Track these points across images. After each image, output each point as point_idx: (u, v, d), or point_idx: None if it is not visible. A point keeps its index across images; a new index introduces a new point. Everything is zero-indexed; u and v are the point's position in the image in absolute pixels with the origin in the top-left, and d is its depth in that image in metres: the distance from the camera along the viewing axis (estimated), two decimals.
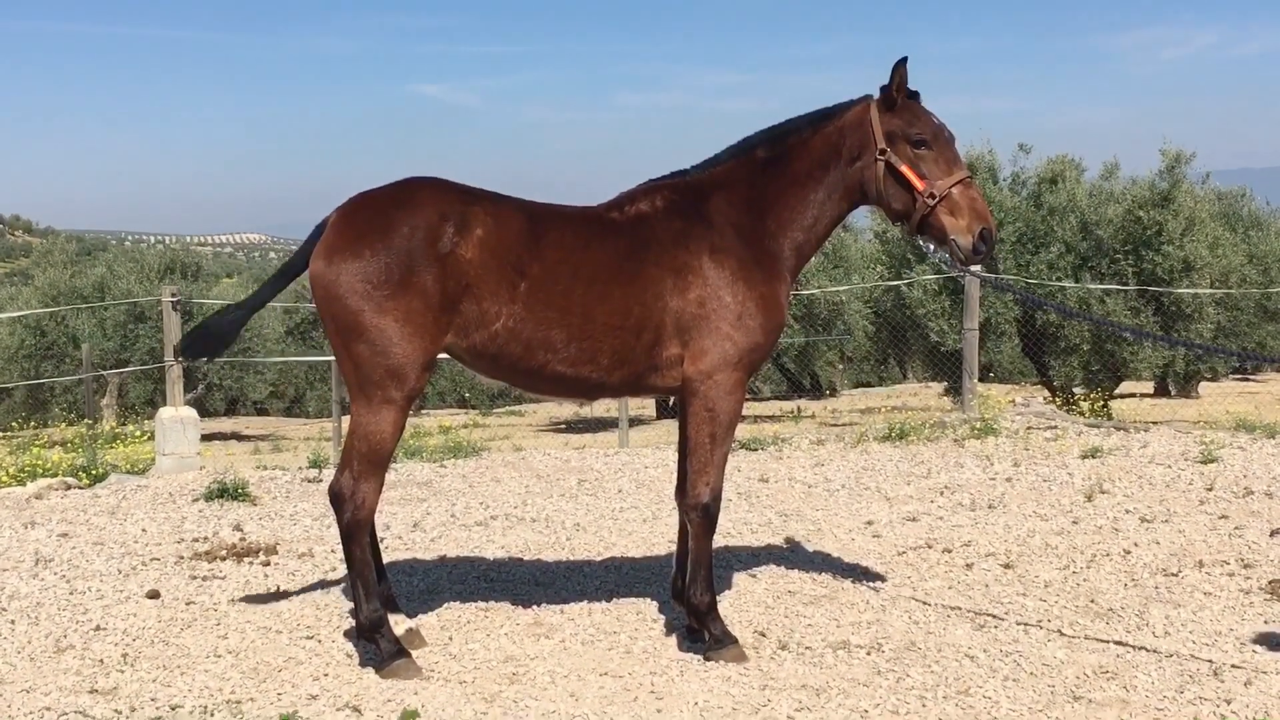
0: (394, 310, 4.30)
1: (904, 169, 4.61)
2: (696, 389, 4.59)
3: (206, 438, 12.46)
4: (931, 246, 4.85)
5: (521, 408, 25.45)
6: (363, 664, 4.59)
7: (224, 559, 6.29)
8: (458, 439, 11.44)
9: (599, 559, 6.28)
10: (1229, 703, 4.08)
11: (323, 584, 5.77)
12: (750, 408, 17.44)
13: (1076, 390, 15.51)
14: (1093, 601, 5.32)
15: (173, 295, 10.49)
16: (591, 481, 8.59)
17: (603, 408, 19.63)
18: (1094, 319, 5.85)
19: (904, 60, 4.64)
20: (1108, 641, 4.77)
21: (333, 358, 10.79)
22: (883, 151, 4.64)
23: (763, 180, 4.74)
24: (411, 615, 5.04)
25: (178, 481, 8.72)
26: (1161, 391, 21.93)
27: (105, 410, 20.87)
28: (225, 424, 23.97)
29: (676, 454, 4.98)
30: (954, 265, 4.88)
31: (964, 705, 4.11)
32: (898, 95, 4.66)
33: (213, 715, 4.07)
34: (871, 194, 4.73)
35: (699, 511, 4.66)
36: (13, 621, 5.20)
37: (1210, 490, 7.42)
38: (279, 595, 5.59)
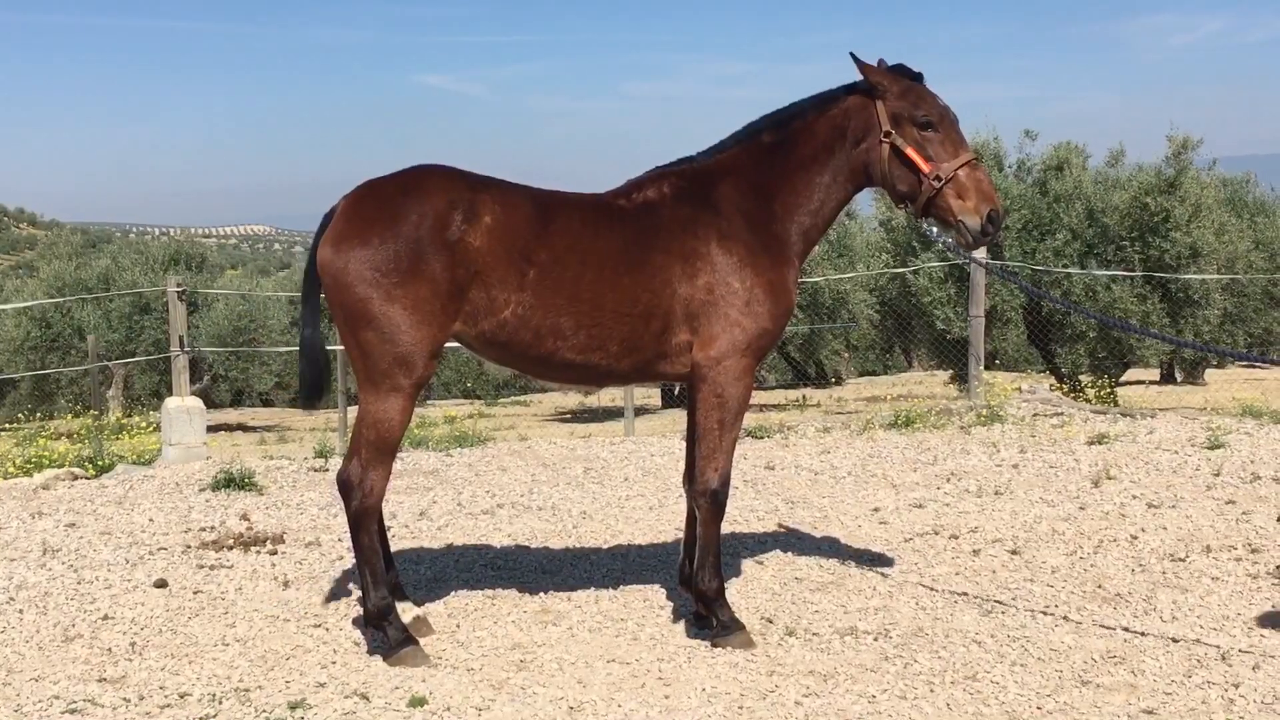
0: (402, 298, 4.29)
1: (909, 151, 4.59)
2: (705, 375, 4.58)
3: (212, 429, 12.48)
4: (936, 230, 4.85)
5: (526, 397, 25.44)
6: (370, 652, 4.60)
7: (231, 548, 6.30)
8: (463, 428, 11.43)
9: (606, 546, 6.29)
10: (1237, 687, 4.08)
11: (330, 572, 5.78)
12: (756, 396, 17.43)
13: (1083, 377, 15.47)
14: (1100, 587, 5.32)
15: (178, 286, 10.50)
16: (598, 470, 8.59)
17: (608, 397, 19.61)
18: (1099, 316, 5.81)
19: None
20: (1115, 627, 4.77)
21: (338, 348, 10.85)
22: (887, 134, 4.62)
23: (769, 165, 4.72)
24: (419, 603, 5.05)
25: (184, 471, 8.73)
26: (1168, 378, 21.89)
27: (111, 401, 20.87)
28: (231, 415, 23.96)
29: (683, 441, 4.98)
30: (957, 250, 4.88)
31: (972, 690, 4.11)
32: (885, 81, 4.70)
33: (221, 703, 4.09)
34: (876, 176, 4.72)
35: (708, 497, 4.66)
36: (21, 611, 5.22)
37: (1217, 476, 7.40)
38: (286, 584, 5.61)
